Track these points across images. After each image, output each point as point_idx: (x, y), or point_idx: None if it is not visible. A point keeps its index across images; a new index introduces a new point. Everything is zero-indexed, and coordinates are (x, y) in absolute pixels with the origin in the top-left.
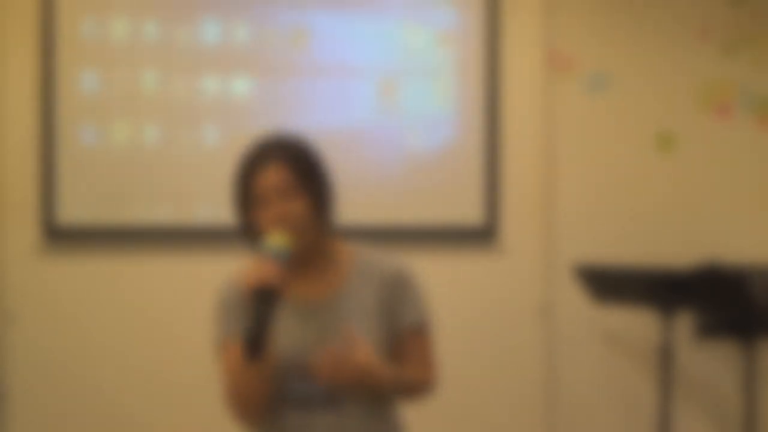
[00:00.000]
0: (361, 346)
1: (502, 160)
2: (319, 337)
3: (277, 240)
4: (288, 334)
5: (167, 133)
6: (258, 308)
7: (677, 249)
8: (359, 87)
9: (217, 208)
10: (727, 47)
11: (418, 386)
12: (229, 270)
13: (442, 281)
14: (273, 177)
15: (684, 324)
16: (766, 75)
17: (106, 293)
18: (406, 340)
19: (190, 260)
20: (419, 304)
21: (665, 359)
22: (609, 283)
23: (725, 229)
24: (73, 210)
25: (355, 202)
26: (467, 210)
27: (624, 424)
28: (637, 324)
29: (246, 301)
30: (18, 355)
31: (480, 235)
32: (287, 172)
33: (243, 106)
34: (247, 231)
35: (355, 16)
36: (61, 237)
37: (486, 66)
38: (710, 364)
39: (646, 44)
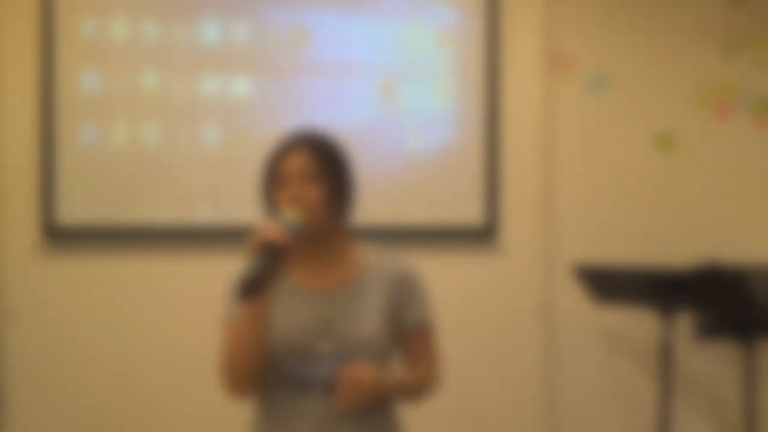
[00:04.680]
0: (363, 368)
1: (502, 160)
2: (326, 324)
3: (290, 213)
4: (295, 318)
5: (167, 133)
6: (258, 257)
7: (677, 249)
8: (359, 87)
9: (217, 208)
10: (727, 47)
11: (422, 387)
12: (229, 270)
13: (441, 281)
14: (298, 161)
15: (684, 324)
16: (766, 75)
17: (106, 293)
18: (411, 339)
19: (190, 260)
20: (425, 304)
21: (665, 359)
22: (609, 283)
23: (725, 229)
24: (73, 210)
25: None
26: (467, 210)
27: (624, 424)
28: (637, 324)
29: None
30: (18, 355)
31: (480, 235)
32: (311, 159)
33: (243, 106)
34: (268, 209)
35: (355, 17)
36: (61, 237)
37: (486, 66)
38: (710, 364)
39: (646, 44)
